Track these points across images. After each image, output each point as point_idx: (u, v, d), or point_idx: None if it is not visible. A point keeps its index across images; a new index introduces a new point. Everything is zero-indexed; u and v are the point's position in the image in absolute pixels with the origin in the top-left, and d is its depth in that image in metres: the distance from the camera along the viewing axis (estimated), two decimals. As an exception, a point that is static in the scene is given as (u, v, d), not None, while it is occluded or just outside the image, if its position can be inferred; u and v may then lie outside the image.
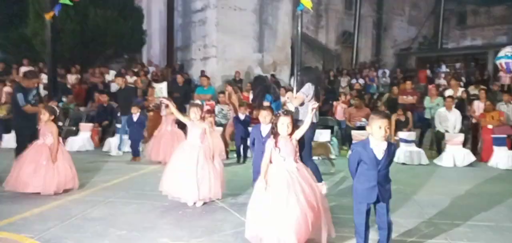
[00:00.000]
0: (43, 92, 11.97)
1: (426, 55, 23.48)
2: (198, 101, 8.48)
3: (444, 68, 16.73)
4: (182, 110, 12.12)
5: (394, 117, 8.91)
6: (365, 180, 3.24)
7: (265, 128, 4.87)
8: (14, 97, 6.55)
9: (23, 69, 12.90)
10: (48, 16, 10.36)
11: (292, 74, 17.01)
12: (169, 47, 16.76)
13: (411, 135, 8.51)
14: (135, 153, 8.42)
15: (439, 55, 22.48)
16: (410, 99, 9.95)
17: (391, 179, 3.36)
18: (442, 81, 13.85)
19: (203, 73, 13.16)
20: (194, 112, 5.02)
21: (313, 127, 5.34)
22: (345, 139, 9.42)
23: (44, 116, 5.72)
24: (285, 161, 3.69)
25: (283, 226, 3.38)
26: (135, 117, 8.51)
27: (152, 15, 16.92)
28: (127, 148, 8.87)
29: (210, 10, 15.83)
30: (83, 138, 9.44)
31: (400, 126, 8.75)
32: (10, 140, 7.88)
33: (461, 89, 10.09)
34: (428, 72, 15.75)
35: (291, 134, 3.75)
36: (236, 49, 16.01)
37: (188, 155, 4.89)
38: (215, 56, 15.92)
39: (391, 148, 3.28)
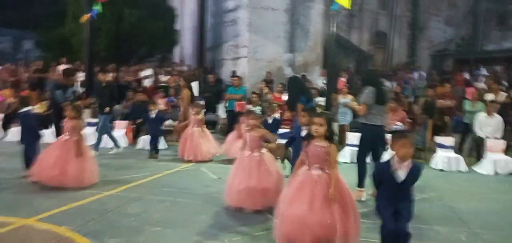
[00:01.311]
0: (80, 90, 12.37)
1: (463, 57, 22.61)
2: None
3: (483, 71, 16.07)
4: (213, 109, 12.26)
5: (430, 122, 8.62)
6: (386, 203, 3.22)
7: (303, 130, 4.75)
8: (53, 93, 6.78)
9: (62, 67, 13.37)
10: (83, 19, 10.68)
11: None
12: (201, 47, 16.91)
13: (449, 140, 8.20)
14: (153, 150, 8.48)
15: (477, 57, 21.60)
16: (448, 102, 9.60)
17: (412, 199, 3.29)
18: (482, 85, 13.28)
19: (234, 73, 13.20)
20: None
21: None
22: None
23: (70, 113, 5.92)
24: (311, 166, 3.62)
25: (304, 229, 3.33)
26: (153, 114, 8.58)
27: (184, 15, 17.13)
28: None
29: (242, 9, 15.88)
30: (118, 135, 9.65)
31: (437, 130, 8.46)
32: (49, 135, 8.16)
33: (503, 94, 9.65)
34: (467, 74, 15.15)
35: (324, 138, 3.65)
36: (267, 49, 15.98)
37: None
38: (246, 56, 15.95)
39: (414, 170, 3.20)
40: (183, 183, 6.19)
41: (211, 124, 10.68)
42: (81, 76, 12.76)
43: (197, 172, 7.11)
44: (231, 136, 8.48)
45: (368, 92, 5.32)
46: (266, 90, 10.92)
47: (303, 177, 3.60)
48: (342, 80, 13.21)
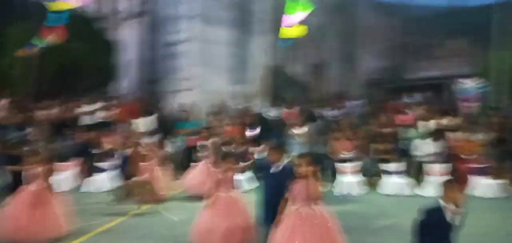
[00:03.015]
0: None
1: (392, 86, 24.45)
2: None
3: (414, 98, 17.50)
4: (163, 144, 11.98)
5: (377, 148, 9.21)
6: None
7: (274, 167, 4.81)
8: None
9: (3, 102, 12.34)
10: (20, 53, 10.08)
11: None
12: (144, 80, 16.60)
13: (395, 166, 8.80)
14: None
15: (404, 85, 23.52)
16: (390, 130, 10.33)
17: None
18: (416, 112, 14.37)
19: (182, 107, 13.08)
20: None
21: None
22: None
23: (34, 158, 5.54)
24: (301, 203, 3.76)
25: None
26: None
27: (126, 47, 16.76)
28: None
29: (187, 43, 15.95)
30: (65, 177, 9.08)
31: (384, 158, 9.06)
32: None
33: (438, 120, 10.57)
34: (400, 102, 16.39)
35: (307, 176, 3.82)
36: (212, 81, 16.13)
37: None
38: (191, 89, 15.96)
39: None
40: (147, 227, 6.00)
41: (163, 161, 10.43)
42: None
43: (158, 214, 6.88)
44: (191, 172, 8.37)
45: (312, 125, 5.54)
46: (216, 123, 10.95)
47: (294, 217, 3.70)
48: (293, 112, 13.60)
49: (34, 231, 5.10)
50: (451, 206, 3.43)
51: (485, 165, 8.71)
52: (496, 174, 8.68)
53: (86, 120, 12.35)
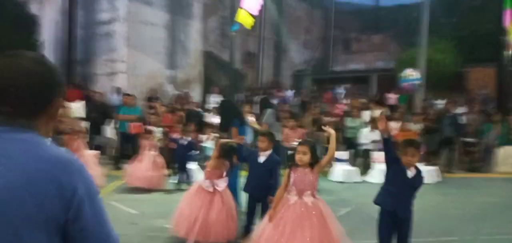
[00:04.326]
0: None
1: (318, 76, 25.44)
2: None
3: (342, 89, 18.38)
4: (99, 131, 11.04)
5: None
6: None
7: (262, 156, 4.57)
8: None
9: None
10: None
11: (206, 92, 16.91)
12: (68, 61, 15.09)
13: (344, 154, 9.11)
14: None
15: (330, 77, 24.63)
16: (333, 119, 10.67)
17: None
18: (344, 101, 15.10)
19: (119, 90, 12.11)
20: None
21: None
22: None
23: None
24: (301, 194, 3.62)
25: None
26: None
27: (45, 25, 15.07)
28: None
29: (119, 23, 14.83)
30: None
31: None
32: None
33: (373, 110, 11.18)
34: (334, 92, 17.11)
35: (311, 165, 3.70)
36: (146, 65, 15.27)
37: None
38: (124, 71, 14.92)
39: None
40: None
41: (99, 148, 9.58)
42: None
43: (107, 207, 6.25)
44: (134, 162, 7.77)
45: (269, 113, 5.49)
46: (163, 109, 10.35)
47: (298, 207, 3.54)
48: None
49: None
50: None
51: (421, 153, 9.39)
52: (429, 161, 9.41)
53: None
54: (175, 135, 7.76)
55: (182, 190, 7.24)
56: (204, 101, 15.41)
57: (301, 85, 24.20)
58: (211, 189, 4.48)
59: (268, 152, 4.44)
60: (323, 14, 27.09)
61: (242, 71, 22.07)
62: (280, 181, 4.09)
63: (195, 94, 16.92)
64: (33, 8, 14.67)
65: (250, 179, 4.55)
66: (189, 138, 7.60)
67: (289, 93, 17.45)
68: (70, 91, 10.85)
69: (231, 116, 5.56)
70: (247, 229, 4.43)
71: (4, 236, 1.08)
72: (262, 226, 3.75)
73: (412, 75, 12.33)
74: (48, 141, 1.24)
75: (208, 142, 9.02)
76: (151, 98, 12.75)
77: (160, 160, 7.62)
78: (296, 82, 25.28)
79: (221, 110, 6.26)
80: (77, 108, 9.46)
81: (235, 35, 12.03)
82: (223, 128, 5.70)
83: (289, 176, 3.67)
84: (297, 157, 3.65)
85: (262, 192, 4.31)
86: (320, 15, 27.25)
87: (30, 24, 13.94)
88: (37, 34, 14.21)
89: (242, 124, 5.66)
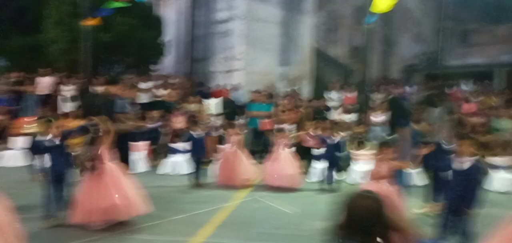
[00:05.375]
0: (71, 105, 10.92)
1: (431, 72, 23.61)
2: None
3: (470, 86, 16.77)
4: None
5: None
6: None
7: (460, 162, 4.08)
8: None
9: (47, 79, 11.74)
10: (91, 22, 9.41)
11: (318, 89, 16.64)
12: (189, 59, 15.88)
13: (505, 160, 8.07)
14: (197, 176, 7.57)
15: (443, 72, 22.69)
16: (478, 119, 9.61)
17: None
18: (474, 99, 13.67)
19: (237, 88, 12.33)
20: None
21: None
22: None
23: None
24: None
25: None
26: (196, 134, 7.65)
27: (169, 25, 16.03)
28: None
29: (236, 21, 15.20)
30: (138, 158, 8.49)
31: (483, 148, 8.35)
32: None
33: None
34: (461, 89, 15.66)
35: None
36: (261, 62, 15.44)
37: None
38: (240, 69, 15.25)
39: None
40: (261, 220, 5.38)
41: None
42: (71, 88, 11.34)
43: (261, 205, 6.27)
44: (270, 161, 7.73)
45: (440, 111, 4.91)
46: (290, 105, 10.29)
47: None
48: (351, 95, 12.90)
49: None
50: None
51: None
52: None
53: (142, 98, 11.74)
54: (324, 134, 7.53)
55: (326, 190, 7.06)
56: (318, 98, 15.10)
57: (411, 81, 22.70)
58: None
59: (471, 158, 3.95)
60: (437, 5, 25.03)
61: (350, 67, 21.38)
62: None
63: (306, 91, 16.72)
64: (159, 9, 15.70)
65: (449, 188, 4.07)
66: (338, 138, 7.35)
67: (410, 89, 16.33)
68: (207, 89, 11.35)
69: (399, 115, 5.16)
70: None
71: None
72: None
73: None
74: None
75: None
76: (287, 95, 12.77)
77: (296, 158, 7.50)
78: (406, 77, 23.78)
79: (390, 108, 5.84)
80: (215, 104, 9.80)
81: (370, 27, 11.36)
82: (393, 127, 5.32)
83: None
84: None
85: (461, 204, 3.83)
86: (433, 6, 25.23)
87: (157, 24, 14.92)
88: (163, 34, 15.16)
89: (407, 123, 5.23)
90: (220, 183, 7.40)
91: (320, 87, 17.71)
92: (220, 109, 9.97)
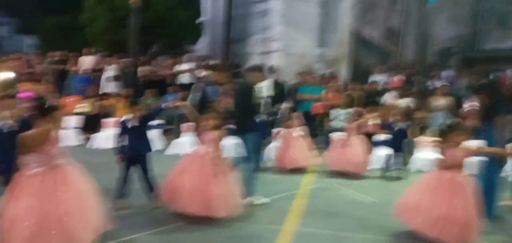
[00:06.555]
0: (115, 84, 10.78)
1: (467, 55, 22.79)
2: None
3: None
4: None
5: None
6: None
7: None
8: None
9: (89, 58, 11.62)
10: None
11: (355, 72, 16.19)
12: (224, 40, 15.54)
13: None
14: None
15: (480, 56, 21.88)
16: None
17: None
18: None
19: (272, 69, 11.89)
20: None
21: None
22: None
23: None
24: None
25: None
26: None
27: (207, 5, 15.68)
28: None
29: (274, 0, 14.76)
30: (188, 141, 8.28)
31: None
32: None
33: None
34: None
35: None
36: (299, 43, 15.02)
37: None
38: (278, 50, 14.88)
39: None
40: (343, 209, 5.12)
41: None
42: (114, 68, 11.18)
43: (334, 192, 5.98)
44: (335, 145, 7.44)
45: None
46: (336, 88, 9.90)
47: None
48: (398, 79, 12.41)
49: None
50: None
51: None
52: None
53: (184, 79, 11.52)
54: (391, 120, 7.19)
55: (398, 178, 6.77)
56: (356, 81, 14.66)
57: (446, 65, 21.95)
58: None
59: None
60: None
61: (386, 49, 20.77)
62: None
63: (342, 74, 16.28)
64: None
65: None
66: (402, 123, 7.00)
67: (447, 73, 15.71)
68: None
69: (496, 101, 4.78)
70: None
71: None
72: None
73: None
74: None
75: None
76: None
77: (366, 144, 7.18)
78: (441, 61, 23.02)
79: (486, 92, 5.44)
80: (267, 86, 9.49)
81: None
82: (488, 114, 4.94)
83: None
84: None
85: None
86: (471, -14, 24.22)
87: (195, 4, 14.62)
88: (200, 14, 14.87)
89: (507, 110, 4.84)
90: (280, 168, 7.15)
91: (357, 70, 17.23)
92: (271, 92, 9.65)
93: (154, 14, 12.81)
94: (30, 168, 3.23)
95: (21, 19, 23.31)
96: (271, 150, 7.62)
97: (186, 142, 8.16)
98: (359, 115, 7.62)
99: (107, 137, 8.19)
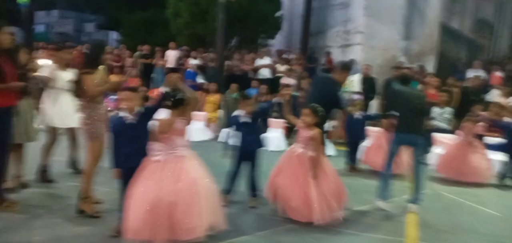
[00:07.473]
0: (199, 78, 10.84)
1: None
2: None
3: None
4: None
5: None
6: None
7: None
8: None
9: (173, 53, 11.84)
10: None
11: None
12: (301, 33, 15.11)
13: None
14: (352, 160, 6.86)
15: None
16: None
17: None
18: None
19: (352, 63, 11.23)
20: None
21: None
22: None
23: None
24: None
25: None
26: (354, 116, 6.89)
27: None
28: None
29: (354, -10, 14.07)
30: (275, 137, 8.03)
31: None
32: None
33: None
34: None
35: None
36: (383, 35, 14.18)
37: None
38: (360, 43, 14.17)
39: None
40: (469, 222, 4.51)
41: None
42: (195, 62, 11.27)
43: (451, 202, 5.29)
44: (449, 147, 6.63)
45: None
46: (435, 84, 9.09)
47: None
48: (497, 75, 11.22)
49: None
50: None
51: None
52: None
53: (265, 73, 11.32)
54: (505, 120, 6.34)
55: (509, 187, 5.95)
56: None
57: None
58: None
59: None
60: None
61: (477, 42, 19.03)
62: None
63: (429, 68, 15.12)
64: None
65: None
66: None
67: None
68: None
69: None
70: None
71: None
72: None
73: None
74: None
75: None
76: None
77: (484, 148, 6.41)
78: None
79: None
80: (356, 81, 9.00)
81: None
82: None
83: None
84: None
85: None
86: None
87: (274, -3, 14.37)
88: (280, 6, 14.59)
89: None
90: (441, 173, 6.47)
91: (443, 64, 15.98)
92: (359, 87, 9.14)
93: (238, 7, 12.70)
94: (154, 155, 3.35)
95: (107, 16, 24.72)
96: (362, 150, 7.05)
97: (272, 138, 7.91)
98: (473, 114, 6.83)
99: (196, 130, 8.20)
